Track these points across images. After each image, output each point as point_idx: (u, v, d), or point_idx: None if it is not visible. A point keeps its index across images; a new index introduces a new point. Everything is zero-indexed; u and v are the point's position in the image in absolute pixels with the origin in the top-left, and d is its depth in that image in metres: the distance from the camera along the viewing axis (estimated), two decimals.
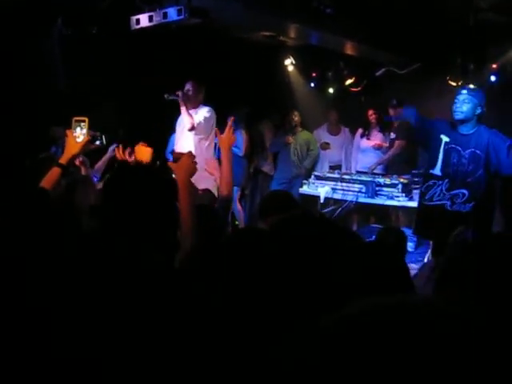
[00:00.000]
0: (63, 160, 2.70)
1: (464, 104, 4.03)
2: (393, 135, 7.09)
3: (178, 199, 2.04)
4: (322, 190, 6.65)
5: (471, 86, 4.19)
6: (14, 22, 5.17)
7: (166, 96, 5.39)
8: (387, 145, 7.27)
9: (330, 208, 6.75)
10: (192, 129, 5.47)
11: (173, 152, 5.23)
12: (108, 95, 6.31)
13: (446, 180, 4.17)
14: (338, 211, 6.57)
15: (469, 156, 4.06)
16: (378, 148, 7.34)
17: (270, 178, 7.75)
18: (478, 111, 4.05)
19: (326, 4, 5.53)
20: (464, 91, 4.09)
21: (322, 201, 6.66)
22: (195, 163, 2.48)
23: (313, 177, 6.95)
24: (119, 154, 3.30)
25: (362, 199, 6.42)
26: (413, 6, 5.75)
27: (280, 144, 7.55)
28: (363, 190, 6.40)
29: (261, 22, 6.02)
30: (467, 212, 4.09)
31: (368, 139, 7.44)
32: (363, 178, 6.55)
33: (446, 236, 2.84)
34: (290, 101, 8.21)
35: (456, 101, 4.09)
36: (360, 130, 7.63)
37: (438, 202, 4.18)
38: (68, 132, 2.79)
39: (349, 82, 8.05)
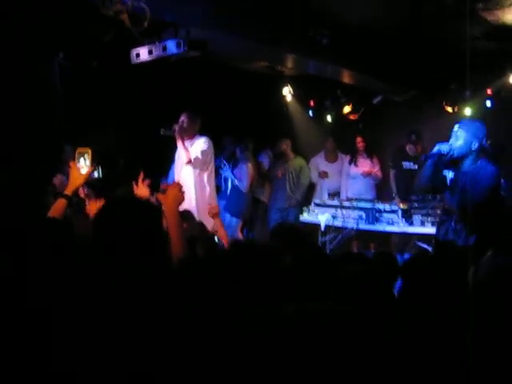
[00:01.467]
0: (68, 191, 2.80)
1: (458, 140, 3.85)
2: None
3: (161, 231, 2.09)
4: (323, 218, 6.67)
5: (466, 119, 4.02)
6: (17, 52, 5.24)
7: (161, 131, 5.46)
8: (375, 170, 7.44)
9: (331, 235, 6.76)
10: (189, 162, 5.51)
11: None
12: (108, 125, 6.37)
13: (454, 216, 4.06)
14: (338, 238, 6.58)
15: (465, 191, 3.89)
16: (368, 175, 7.49)
17: (268, 205, 7.80)
18: (475, 146, 3.84)
19: (322, 34, 5.63)
20: (457, 126, 3.90)
21: (322, 229, 6.68)
22: (182, 193, 2.55)
23: (313, 204, 7.00)
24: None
25: (363, 226, 6.44)
26: (408, 34, 5.85)
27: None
28: (363, 217, 6.42)
29: (258, 53, 6.11)
30: (471, 246, 3.91)
31: (356, 166, 7.60)
32: (363, 204, 6.58)
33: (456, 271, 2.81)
34: (289, 130, 8.29)
35: (450, 136, 3.93)
36: (348, 157, 7.80)
37: (447, 237, 4.09)
38: (71, 164, 2.86)
39: (346, 109, 8.14)
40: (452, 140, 3.88)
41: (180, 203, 2.54)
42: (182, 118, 5.62)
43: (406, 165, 7.26)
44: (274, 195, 7.73)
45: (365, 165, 7.61)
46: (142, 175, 3.62)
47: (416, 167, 6.83)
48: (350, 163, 7.78)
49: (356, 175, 7.64)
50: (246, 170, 7.25)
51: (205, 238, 3.30)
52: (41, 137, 5.58)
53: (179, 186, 2.56)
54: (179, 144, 5.51)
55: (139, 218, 1.97)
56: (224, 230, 4.06)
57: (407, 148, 7.29)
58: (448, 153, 3.83)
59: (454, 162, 3.99)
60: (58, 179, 4.91)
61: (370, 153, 7.64)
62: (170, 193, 2.51)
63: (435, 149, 3.89)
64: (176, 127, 5.46)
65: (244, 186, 7.24)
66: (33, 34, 5.08)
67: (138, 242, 1.87)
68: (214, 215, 4.18)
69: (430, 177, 4.00)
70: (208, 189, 5.75)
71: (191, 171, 5.61)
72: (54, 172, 5.12)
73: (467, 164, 3.90)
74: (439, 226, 4.31)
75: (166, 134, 5.43)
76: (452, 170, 4.03)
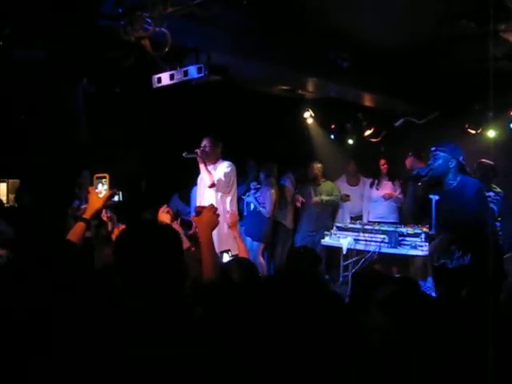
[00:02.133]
0: (87, 215, 2.81)
1: (436, 160, 4.09)
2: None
3: (182, 255, 2.04)
4: (345, 241, 6.61)
5: (441, 143, 4.21)
6: (43, 78, 5.35)
7: (184, 154, 5.46)
8: (397, 194, 7.36)
9: (353, 259, 6.69)
10: (212, 186, 5.51)
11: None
12: (130, 149, 6.44)
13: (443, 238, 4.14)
14: (360, 262, 6.50)
15: (455, 210, 4.02)
16: (389, 197, 7.42)
17: (291, 230, 7.74)
18: (453, 164, 4.07)
19: (342, 58, 5.64)
20: (433, 148, 4.16)
21: (344, 252, 6.61)
22: (217, 216, 2.53)
23: (335, 228, 6.93)
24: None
25: (385, 249, 6.36)
26: (430, 56, 5.84)
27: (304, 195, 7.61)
28: (386, 240, 6.34)
29: (279, 77, 6.15)
30: (467, 265, 3.96)
31: (377, 189, 7.54)
32: (385, 228, 6.50)
33: (453, 294, 2.81)
34: (311, 153, 8.28)
35: (429, 159, 4.19)
36: (369, 180, 7.74)
37: (441, 261, 4.12)
38: (90, 189, 2.91)
39: (368, 132, 8.12)
40: (430, 161, 4.14)
41: (214, 226, 2.53)
42: (204, 142, 5.64)
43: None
44: (303, 219, 7.67)
45: (386, 188, 7.54)
46: (164, 206, 3.77)
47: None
48: (371, 186, 7.72)
49: (378, 198, 7.57)
50: (270, 196, 7.24)
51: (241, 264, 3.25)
52: (63, 161, 5.65)
53: (214, 209, 2.55)
54: (202, 167, 5.52)
55: (160, 242, 1.93)
56: (243, 243, 4.03)
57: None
58: (427, 173, 4.12)
59: (435, 182, 4.21)
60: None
61: (392, 175, 7.58)
62: (205, 215, 2.51)
63: (414, 172, 4.12)
64: (199, 151, 5.47)
65: (267, 211, 7.21)
66: (58, 59, 5.20)
67: (157, 269, 1.84)
68: (233, 224, 4.17)
69: (414, 202, 4.19)
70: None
71: (213, 195, 5.60)
72: (72, 196, 5.17)
73: (449, 182, 4.10)
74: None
75: (189, 157, 5.44)
76: (436, 194, 4.23)
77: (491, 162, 5.77)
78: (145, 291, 1.77)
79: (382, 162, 7.62)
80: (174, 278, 1.88)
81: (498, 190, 5.78)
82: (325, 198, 7.55)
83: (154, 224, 2.36)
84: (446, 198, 4.12)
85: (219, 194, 5.62)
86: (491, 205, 5.59)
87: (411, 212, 4.41)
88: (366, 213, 7.75)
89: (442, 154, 4.09)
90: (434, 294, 5.95)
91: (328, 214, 7.67)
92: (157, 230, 2.02)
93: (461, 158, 4.13)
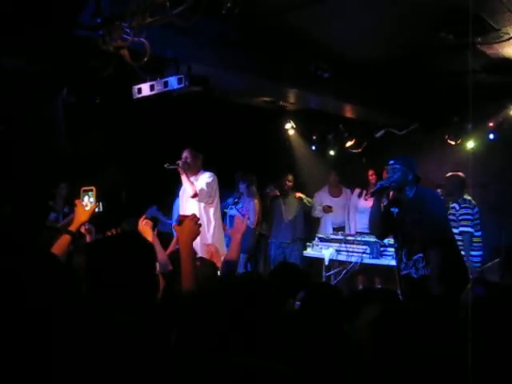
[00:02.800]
0: (73, 228, 2.81)
1: (395, 173, 4.19)
2: None
3: (154, 265, 2.06)
4: (327, 252, 6.60)
5: (398, 156, 4.34)
6: (21, 88, 5.30)
7: (166, 165, 5.44)
8: (384, 204, 7.34)
9: (335, 270, 6.68)
10: (195, 196, 5.48)
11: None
12: (111, 160, 6.39)
13: (405, 249, 4.19)
14: (343, 273, 6.50)
15: (414, 220, 4.09)
16: None
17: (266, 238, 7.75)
18: (410, 176, 4.18)
19: (323, 69, 5.66)
20: (391, 162, 4.25)
21: (326, 263, 6.60)
22: (199, 226, 2.52)
23: (316, 239, 6.93)
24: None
25: (367, 260, 6.36)
26: (408, 68, 5.89)
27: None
28: (368, 251, 6.35)
29: (259, 88, 6.15)
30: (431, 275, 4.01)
31: (366, 199, 7.51)
32: (367, 238, 6.51)
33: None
34: (291, 164, 8.29)
35: (387, 172, 4.30)
36: (357, 191, 7.71)
37: (406, 272, 4.16)
38: (77, 202, 2.91)
39: (349, 144, 8.15)
40: (390, 174, 4.25)
41: (195, 236, 2.51)
42: (185, 154, 5.62)
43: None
44: (275, 230, 7.66)
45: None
46: (144, 217, 3.78)
47: None
48: (359, 196, 7.68)
49: (365, 209, 7.47)
50: (254, 206, 7.23)
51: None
52: (41, 172, 5.59)
53: (196, 219, 2.53)
54: (184, 178, 5.49)
55: (131, 254, 1.96)
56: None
57: None
58: (390, 185, 4.22)
59: (396, 197, 4.36)
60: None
61: None
62: (187, 225, 2.48)
63: (378, 184, 4.32)
64: (180, 162, 5.45)
65: (251, 222, 7.18)
66: (36, 69, 5.15)
67: (127, 280, 1.86)
68: (211, 256, 4.18)
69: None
70: (214, 223, 5.71)
71: (197, 206, 5.57)
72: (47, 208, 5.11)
73: (408, 193, 4.21)
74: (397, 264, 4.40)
75: (171, 168, 5.42)
76: (396, 207, 4.30)
77: (461, 174, 5.85)
78: (115, 303, 1.77)
79: (371, 172, 7.57)
80: (145, 290, 1.91)
81: (472, 202, 5.83)
82: (305, 197, 7.57)
83: (126, 236, 2.33)
84: (406, 210, 4.19)
85: (202, 205, 5.60)
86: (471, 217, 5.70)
87: (375, 225, 4.47)
88: (352, 223, 7.72)
89: (399, 166, 4.18)
90: None
91: (301, 225, 7.66)
92: (128, 242, 2.04)
93: (415, 170, 4.24)
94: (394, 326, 1.96)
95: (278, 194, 7.56)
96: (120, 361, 1.42)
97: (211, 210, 5.68)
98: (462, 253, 4.88)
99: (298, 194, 7.63)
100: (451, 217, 5.62)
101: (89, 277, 1.86)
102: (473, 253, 5.74)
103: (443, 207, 4.45)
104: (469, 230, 5.71)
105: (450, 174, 5.91)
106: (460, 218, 5.73)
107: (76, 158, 5.94)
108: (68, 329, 1.47)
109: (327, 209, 7.80)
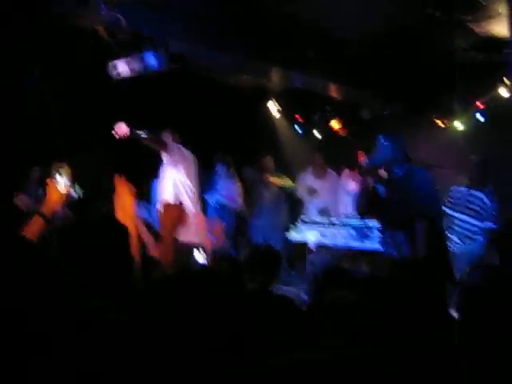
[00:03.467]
0: (45, 209, 2.51)
1: (382, 150, 4.16)
2: None
3: (129, 250, 2.01)
4: (311, 236, 6.49)
5: (385, 133, 4.25)
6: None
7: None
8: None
9: (320, 253, 6.58)
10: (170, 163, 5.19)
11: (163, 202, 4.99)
12: (88, 142, 6.21)
13: (390, 231, 4.19)
14: (327, 257, 6.40)
15: (404, 199, 4.03)
16: None
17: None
18: (400, 154, 4.13)
19: (307, 47, 5.52)
20: (381, 138, 4.19)
21: (311, 247, 6.49)
22: (183, 215, 2.47)
23: (301, 222, 6.80)
24: None
25: (353, 243, 6.26)
26: (395, 46, 5.75)
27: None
28: (353, 234, 6.25)
29: (242, 66, 5.97)
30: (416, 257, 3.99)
31: (354, 180, 7.32)
32: (352, 221, 6.39)
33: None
34: (275, 145, 8.13)
35: (377, 148, 4.23)
36: (346, 171, 7.49)
37: (391, 251, 4.19)
38: (49, 181, 2.62)
39: (335, 124, 7.99)
40: (379, 150, 4.20)
41: (178, 223, 2.44)
42: (164, 136, 5.41)
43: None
44: (257, 213, 7.46)
45: None
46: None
47: None
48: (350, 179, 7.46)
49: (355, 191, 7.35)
50: (237, 188, 7.02)
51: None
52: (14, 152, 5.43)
53: (182, 209, 2.45)
54: (160, 150, 5.18)
55: (100, 238, 1.91)
56: None
57: None
58: (377, 162, 4.22)
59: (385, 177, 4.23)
60: (20, 200, 4.69)
61: None
62: (170, 213, 2.43)
63: (368, 163, 4.43)
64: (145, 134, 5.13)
65: (237, 204, 6.99)
66: (11, 47, 4.97)
67: (98, 266, 1.83)
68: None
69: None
70: (196, 205, 5.51)
71: (174, 179, 5.35)
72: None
73: (394, 171, 4.14)
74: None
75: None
76: (382, 185, 4.23)
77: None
78: (90, 284, 1.77)
79: (360, 153, 7.36)
80: (119, 271, 1.89)
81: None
82: (282, 182, 7.36)
83: (98, 217, 2.24)
84: (394, 188, 4.14)
85: (179, 180, 5.33)
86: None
87: (361, 205, 4.40)
88: (341, 206, 7.52)
89: (386, 143, 4.14)
90: None
91: (282, 208, 7.48)
92: (101, 224, 2.00)
93: (405, 148, 4.18)
94: None
95: (258, 176, 7.34)
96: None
97: (191, 192, 5.46)
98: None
99: (274, 180, 7.35)
100: (475, 207, 5.06)
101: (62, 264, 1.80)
102: None
103: (433, 187, 4.29)
104: (494, 227, 4.95)
105: (473, 156, 5.30)
106: (489, 212, 5.02)
107: (51, 140, 5.76)
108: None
109: (312, 192, 7.61)
